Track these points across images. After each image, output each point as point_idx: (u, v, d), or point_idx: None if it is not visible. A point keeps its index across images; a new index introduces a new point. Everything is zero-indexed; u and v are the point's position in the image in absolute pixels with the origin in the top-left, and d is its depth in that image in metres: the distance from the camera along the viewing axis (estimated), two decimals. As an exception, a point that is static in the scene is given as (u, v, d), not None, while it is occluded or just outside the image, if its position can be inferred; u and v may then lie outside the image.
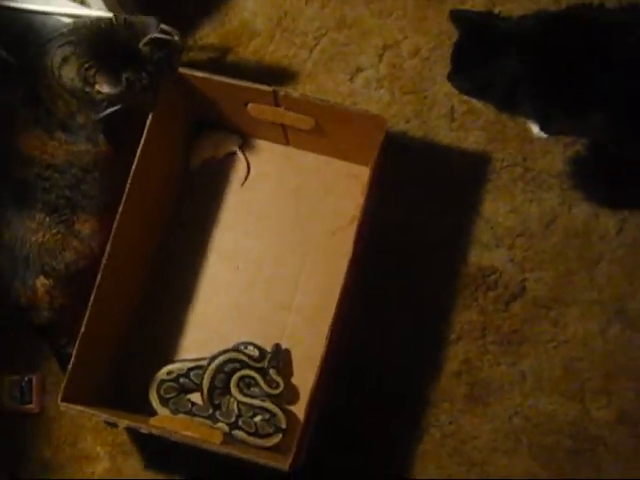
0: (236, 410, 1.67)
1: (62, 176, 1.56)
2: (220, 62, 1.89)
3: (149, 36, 1.50)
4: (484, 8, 1.86)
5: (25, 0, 1.67)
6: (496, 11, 1.82)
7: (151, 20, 1.53)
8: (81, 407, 1.51)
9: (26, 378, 1.77)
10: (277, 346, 1.73)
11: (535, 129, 1.78)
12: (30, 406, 1.77)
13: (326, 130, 1.68)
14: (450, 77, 1.67)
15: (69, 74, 1.51)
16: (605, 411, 1.72)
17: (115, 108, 1.55)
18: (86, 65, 1.48)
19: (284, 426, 1.66)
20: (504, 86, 1.60)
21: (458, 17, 1.64)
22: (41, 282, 1.58)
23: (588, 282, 1.76)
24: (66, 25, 1.58)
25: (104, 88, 1.49)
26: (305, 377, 1.70)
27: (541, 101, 1.62)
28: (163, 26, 1.57)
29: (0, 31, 1.69)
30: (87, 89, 1.50)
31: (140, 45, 1.51)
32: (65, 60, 1.51)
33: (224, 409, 1.68)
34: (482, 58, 1.60)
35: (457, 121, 1.84)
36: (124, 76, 1.50)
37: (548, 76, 1.56)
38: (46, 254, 1.57)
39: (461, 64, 1.64)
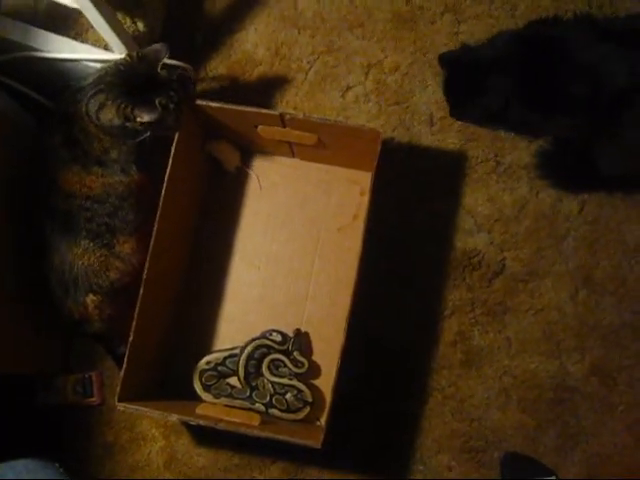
0: (270, 389, 1.50)
1: (101, 206, 1.38)
2: (229, 89, 1.68)
3: (162, 61, 1.35)
4: (450, 26, 1.67)
5: (55, 49, 1.46)
6: (462, 29, 1.65)
7: (159, 46, 1.36)
8: (136, 406, 1.34)
9: (86, 375, 1.60)
10: (298, 330, 1.56)
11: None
12: (92, 399, 1.59)
13: (327, 143, 1.50)
14: (452, 114, 1.48)
15: (107, 116, 1.34)
16: (579, 365, 1.57)
17: (148, 133, 1.37)
18: (122, 105, 1.32)
19: (310, 400, 1.50)
20: (500, 103, 1.39)
21: (445, 59, 1.44)
22: (90, 299, 1.40)
23: (557, 256, 1.60)
24: (91, 74, 1.38)
25: (145, 118, 1.33)
26: (323, 354, 1.57)
27: (526, 110, 1.41)
28: (180, 63, 1.41)
29: (36, 79, 1.49)
30: (127, 124, 1.34)
31: (158, 70, 1.35)
32: (101, 106, 1.34)
33: (260, 389, 1.51)
34: (474, 88, 1.40)
35: (436, 125, 1.65)
36: (157, 101, 1.33)
37: (528, 88, 1.37)
38: (93, 275, 1.39)
39: (456, 99, 1.45)
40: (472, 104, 1.41)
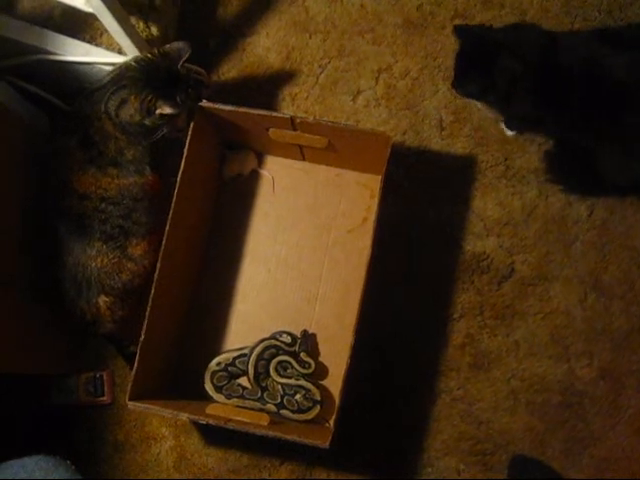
0: (280, 390, 1.50)
1: (116, 207, 1.38)
2: (241, 92, 1.68)
3: (184, 59, 1.36)
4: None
5: (70, 52, 1.47)
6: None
7: (182, 44, 1.38)
8: (146, 404, 1.34)
9: (98, 374, 1.60)
10: (305, 331, 1.55)
11: (507, 131, 1.61)
12: (103, 398, 1.59)
13: (337, 147, 1.49)
14: (454, 84, 1.47)
15: (128, 112, 1.35)
16: (588, 369, 1.56)
17: (165, 131, 1.39)
18: (148, 98, 1.33)
19: (319, 398, 1.49)
20: (504, 86, 1.40)
21: (461, 30, 1.44)
22: (103, 300, 1.41)
23: (566, 260, 1.59)
24: (106, 76, 1.38)
25: (166, 110, 1.34)
26: (331, 355, 1.56)
27: (532, 98, 1.43)
28: (195, 67, 1.42)
29: (51, 82, 1.49)
30: (146, 121, 1.35)
31: (179, 67, 1.36)
32: (123, 102, 1.35)
33: (270, 390, 1.50)
34: (484, 64, 1.39)
35: (446, 130, 1.64)
36: (177, 98, 1.35)
37: (538, 77, 1.39)
38: (105, 276, 1.39)
39: (464, 71, 1.44)
40: (478, 76, 1.41)
